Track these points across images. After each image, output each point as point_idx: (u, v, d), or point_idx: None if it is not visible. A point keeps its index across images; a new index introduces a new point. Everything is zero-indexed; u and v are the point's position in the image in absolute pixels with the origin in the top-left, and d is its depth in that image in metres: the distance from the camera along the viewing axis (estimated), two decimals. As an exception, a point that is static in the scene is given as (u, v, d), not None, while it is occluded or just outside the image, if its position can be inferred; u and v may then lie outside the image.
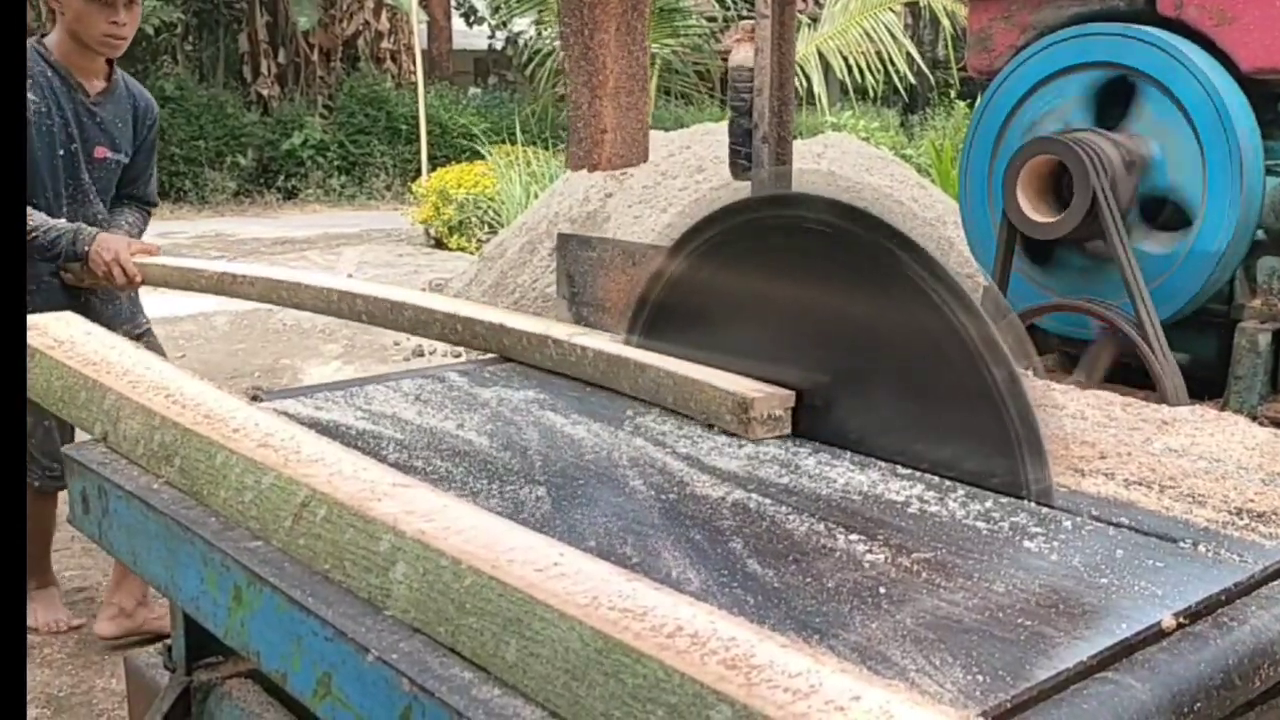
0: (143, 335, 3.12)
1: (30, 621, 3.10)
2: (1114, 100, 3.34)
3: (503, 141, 12.63)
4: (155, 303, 3.04)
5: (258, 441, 1.18)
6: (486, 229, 10.75)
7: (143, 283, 2.73)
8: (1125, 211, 3.17)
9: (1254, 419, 1.92)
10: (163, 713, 1.34)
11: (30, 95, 2.80)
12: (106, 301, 3.03)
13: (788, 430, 1.49)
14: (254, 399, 1.54)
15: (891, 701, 0.69)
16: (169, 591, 1.22)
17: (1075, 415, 1.60)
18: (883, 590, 1.04)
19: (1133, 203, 3.22)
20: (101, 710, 2.79)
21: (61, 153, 2.88)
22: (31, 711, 2.75)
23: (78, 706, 2.80)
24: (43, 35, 2.93)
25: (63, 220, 2.83)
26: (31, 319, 1.54)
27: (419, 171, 13.46)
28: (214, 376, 1.53)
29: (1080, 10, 3.44)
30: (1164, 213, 3.27)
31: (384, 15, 17.45)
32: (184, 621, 1.33)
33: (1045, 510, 1.24)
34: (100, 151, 2.97)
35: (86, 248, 2.74)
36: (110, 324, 2.88)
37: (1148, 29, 3.26)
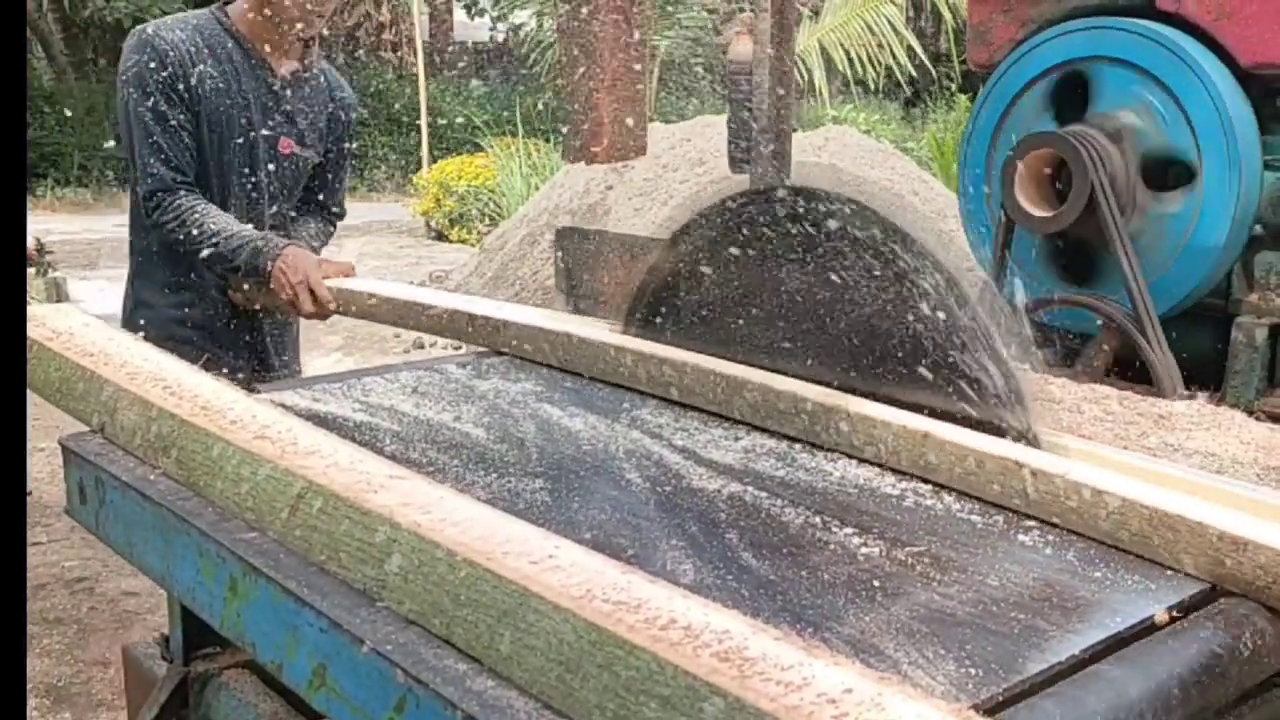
0: None
1: None
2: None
3: (504, 134, 12.62)
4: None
5: (254, 433, 1.18)
6: (487, 221, 10.75)
7: (336, 311, 2.22)
8: (1123, 204, 3.17)
9: (1250, 414, 1.93)
10: (160, 703, 1.34)
11: (208, 69, 2.30)
12: (283, 330, 2.56)
13: None
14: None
15: (884, 694, 0.70)
16: (165, 582, 1.22)
17: (1072, 409, 1.61)
18: (877, 584, 1.04)
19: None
20: (100, 701, 2.79)
21: (240, 141, 2.38)
22: (31, 701, 2.76)
23: (76, 696, 2.80)
24: (226, 1, 2.41)
25: (249, 227, 2.32)
26: (31, 309, 1.54)
27: (420, 163, 13.45)
28: (213, 369, 1.53)
29: (1079, 4, 3.44)
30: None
31: (385, 7, 17.43)
32: (181, 612, 1.33)
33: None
34: (286, 145, 2.45)
35: (270, 264, 2.23)
36: (267, 359, 2.51)
37: (1147, 23, 3.26)
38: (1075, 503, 1.16)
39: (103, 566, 3.52)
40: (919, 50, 16.02)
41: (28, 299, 2.50)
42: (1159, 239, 3.21)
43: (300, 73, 2.45)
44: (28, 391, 1.47)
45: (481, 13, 19.66)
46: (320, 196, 2.65)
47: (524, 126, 12.30)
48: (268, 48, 2.38)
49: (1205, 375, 3.16)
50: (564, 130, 8.67)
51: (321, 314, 2.24)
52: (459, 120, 15.68)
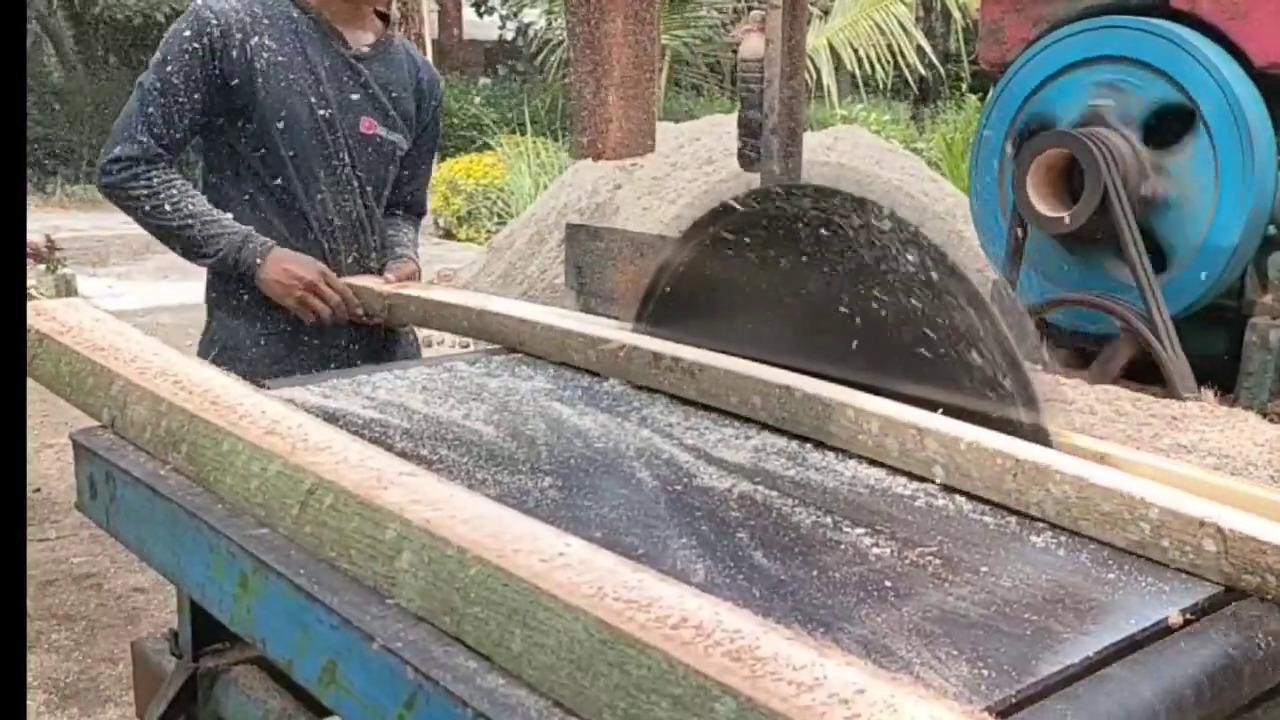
0: None
1: None
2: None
3: (512, 132, 12.63)
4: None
5: (265, 428, 1.18)
6: (495, 220, 10.77)
7: (399, 323, 1.97)
8: (1135, 206, 3.15)
9: (1264, 415, 1.92)
10: (168, 699, 1.34)
11: (266, 41, 2.06)
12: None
13: None
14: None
15: (896, 695, 0.69)
16: (175, 578, 1.22)
17: (1084, 410, 1.60)
18: (889, 584, 1.03)
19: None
20: (107, 697, 2.80)
21: (311, 119, 2.12)
22: (38, 697, 2.77)
23: (84, 692, 2.81)
24: None
25: (228, 216, 2.06)
26: (37, 304, 1.54)
27: (428, 161, 13.44)
28: (221, 364, 1.52)
29: (1093, 3, 3.43)
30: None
31: (395, 5, 17.45)
32: (190, 608, 1.33)
33: (1053, 505, 1.23)
34: (368, 125, 2.18)
35: (258, 260, 1.97)
36: None
37: (1160, 22, 3.24)
38: (1088, 504, 1.14)
39: (110, 563, 3.53)
40: (928, 50, 16.01)
41: (38, 295, 2.50)
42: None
43: (379, 44, 2.21)
44: (38, 387, 1.47)
45: (490, 11, 19.69)
46: (404, 193, 2.39)
47: (532, 125, 12.30)
48: (338, 18, 2.16)
49: (1218, 376, 3.14)
50: (572, 125, 8.66)
51: (338, 318, 2.03)
52: (467, 118, 15.69)
